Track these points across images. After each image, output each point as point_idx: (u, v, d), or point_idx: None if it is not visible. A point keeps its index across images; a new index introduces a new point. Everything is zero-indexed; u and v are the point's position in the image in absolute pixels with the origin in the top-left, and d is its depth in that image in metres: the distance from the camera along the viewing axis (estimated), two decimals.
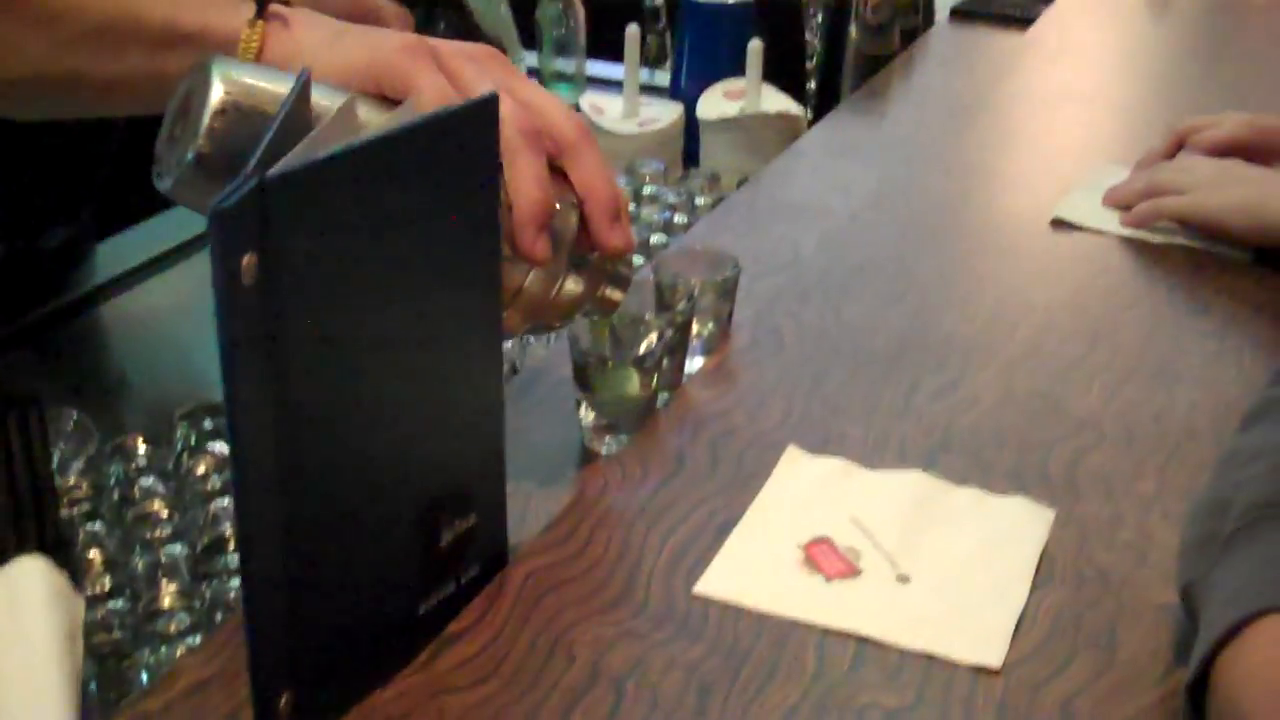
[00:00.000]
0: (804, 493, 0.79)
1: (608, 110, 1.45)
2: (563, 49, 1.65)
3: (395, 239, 0.60)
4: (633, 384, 0.84)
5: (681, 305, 0.89)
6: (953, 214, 1.19)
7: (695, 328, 0.94)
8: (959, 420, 0.87)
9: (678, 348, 0.90)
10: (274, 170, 0.53)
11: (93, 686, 0.71)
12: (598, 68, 1.63)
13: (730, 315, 0.96)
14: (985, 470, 0.81)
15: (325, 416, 0.58)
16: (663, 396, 0.89)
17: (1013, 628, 0.69)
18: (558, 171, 0.73)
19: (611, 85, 1.53)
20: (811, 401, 0.88)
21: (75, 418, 0.89)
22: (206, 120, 0.65)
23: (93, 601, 0.76)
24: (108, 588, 0.78)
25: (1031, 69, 1.62)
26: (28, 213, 1.13)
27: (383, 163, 0.59)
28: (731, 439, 0.84)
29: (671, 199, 1.32)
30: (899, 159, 1.30)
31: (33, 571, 0.55)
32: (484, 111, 0.64)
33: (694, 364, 0.93)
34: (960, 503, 0.78)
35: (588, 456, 0.83)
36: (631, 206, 1.32)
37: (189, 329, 1.08)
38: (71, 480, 0.85)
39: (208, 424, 0.90)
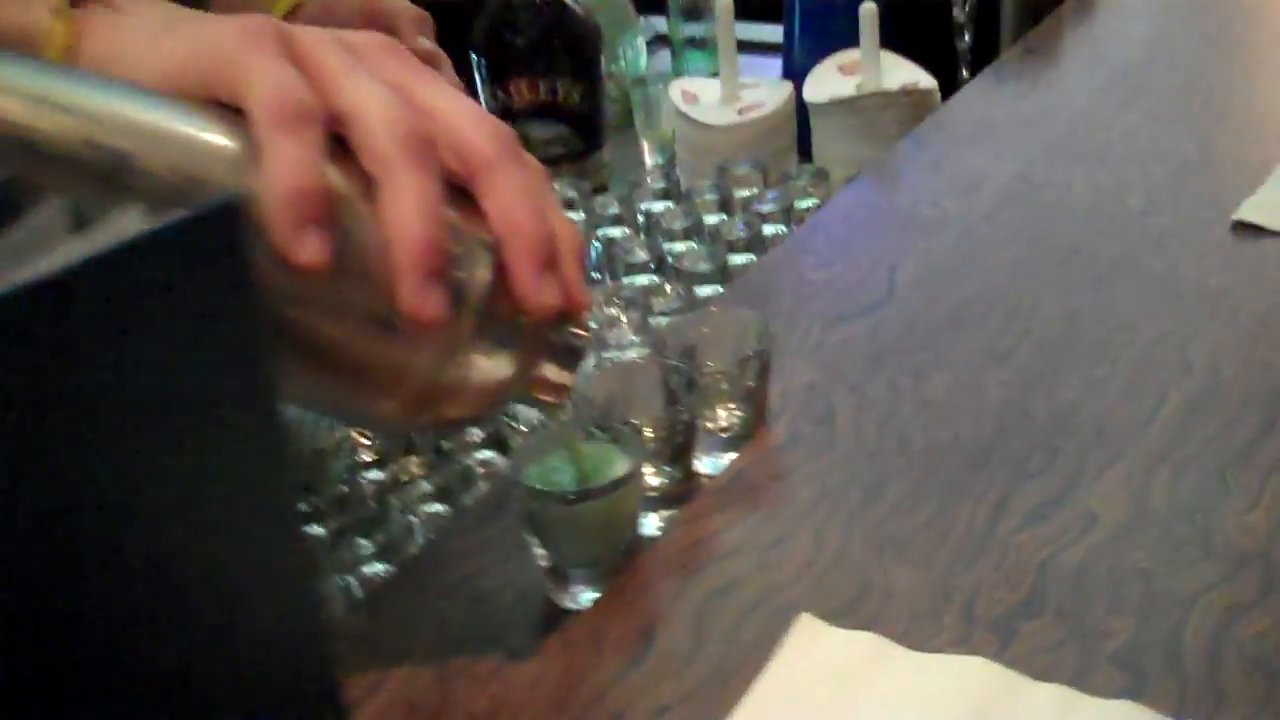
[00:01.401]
0: (810, 693, 0.55)
1: (702, 96, 1.21)
2: (691, 12, 1.48)
3: (85, 428, 0.39)
4: (605, 521, 0.62)
5: (681, 400, 0.66)
6: (1104, 220, 0.91)
7: (722, 418, 0.71)
8: (1059, 559, 0.61)
9: (678, 456, 0.67)
10: None
11: None
12: (741, 30, 1.41)
13: (764, 399, 0.72)
14: (1085, 649, 0.56)
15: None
16: (665, 515, 0.66)
17: None
18: (470, 202, 0.53)
19: (759, 50, 1.37)
20: (853, 531, 0.64)
21: None
22: None
23: None
24: None
25: (1236, 11, 1.30)
26: None
27: (41, 325, 0.37)
28: (728, 598, 0.61)
29: (768, 206, 1.08)
30: (1042, 144, 1.02)
31: None
32: (219, 222, 0.42)
33: (717, 463, 0.70)
34: (1038, 710, 0.53)
35: (549, 615, 0.62)
36: (720, 218, 1.09)
37: None
38: None
39: None
